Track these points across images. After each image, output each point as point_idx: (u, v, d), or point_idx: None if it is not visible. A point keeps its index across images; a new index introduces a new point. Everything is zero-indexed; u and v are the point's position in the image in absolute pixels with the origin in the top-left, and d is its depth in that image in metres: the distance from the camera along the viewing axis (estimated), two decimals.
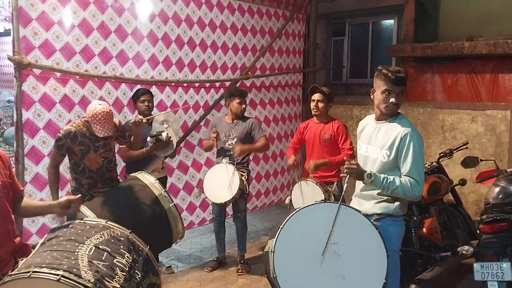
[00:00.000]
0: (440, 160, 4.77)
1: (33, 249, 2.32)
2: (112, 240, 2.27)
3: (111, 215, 3.09)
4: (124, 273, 2.13)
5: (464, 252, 3.85)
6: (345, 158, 3.03)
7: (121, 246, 2.26)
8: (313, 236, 2.72)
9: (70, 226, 2.37)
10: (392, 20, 7.58)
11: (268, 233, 6.20)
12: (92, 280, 1.96)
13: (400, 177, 2.92)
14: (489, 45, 5.90)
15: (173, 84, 5.29)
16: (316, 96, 4.67)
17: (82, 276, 1.96)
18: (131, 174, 3.69)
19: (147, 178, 3.45)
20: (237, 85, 5.97)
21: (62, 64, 4.33)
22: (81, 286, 1.92)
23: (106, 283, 2.00)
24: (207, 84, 5.70)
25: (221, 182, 4.78)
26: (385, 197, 3.00)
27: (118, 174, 4.29)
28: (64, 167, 4.26)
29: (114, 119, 3.88)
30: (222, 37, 5.81)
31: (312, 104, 4.70)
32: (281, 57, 6.72)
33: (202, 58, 5.59)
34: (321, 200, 2.89)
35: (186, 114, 5.50)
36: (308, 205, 2.82)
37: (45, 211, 2.88)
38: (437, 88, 6.82)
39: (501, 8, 6.22)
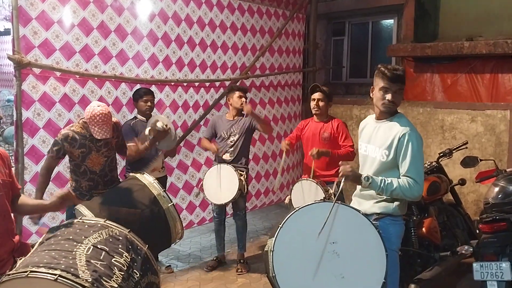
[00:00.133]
0: (440, 160, 4.77)
1: (32, 248, 2.33)
2: (111, 240, 2.27)
3: (110, 215, 3.08)
4: (122, 273, 2.13)
5: (463, 251, 3.85)
6: (340, 162, 3.02)
7: (120, 246, 2.26)
8: (313, 235, 2.71)
9: (69, 225, 2.37)
10: (392, 20, 7.58)
11: (268, 232, 6.20)
12: (90, 280, 1.96)
13: (399, 177, 2.92)
14: (489, 45, 5.90)
15: (172, 83, 5.29)
16: (317, 95, 4.67)
17: (80, 275, 1.96)
18: (131, 174, 3.69)
19: (146, 178, 3.44)
20: (237, 84, 5.96)
21: (62, 64, 4.33)
22: (78, 286, 1.92)
23: (104, 282, 2.00)
24: (207, 84, 5.70)
25: (221, 183, 4.78)
26: (385, 197, 3.00)
27: (118, 174, 4.29)
28: (64, 167, 4.27)
29: (113, 119, 3.88)
30: (222, 37, 5.81)
31: (313, 103, 4.70)
32: (281, 57, 6.72)
33: (202, 58, 5.59)
34: (321, 199, 2.88)
35: (186, 113, 5.50)
36: (308, 205, 2.82)
37: (39, 210, 2.89)
38: (437, 88, 6.82)
39: (501, 8, 6.23)
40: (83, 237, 2.24)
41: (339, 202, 2.79)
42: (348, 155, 4.61)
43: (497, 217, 3.53)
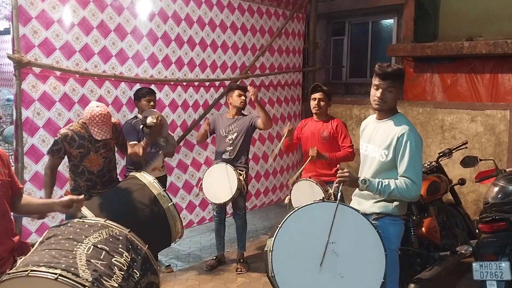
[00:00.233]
0: (440, 159, 4.78)
1: (32, 247, 2.33)
2: (111, 239, 2.27)
3: (110, 215, 3.07)
4: (123, 272, 2.13)
5: (463, 251, 3.86)
6: (338, 166, 3.02)
7: (120, 245, 2.26)
8: (312, 235, 2.72)
9: (69, 225, 2.37)
10: (392, 20, 7.59)
11: (267, 232, 6.20)
12: (90, 279, 1.96)
13: (397, 177, 2.92)
14: (489, 45, 5.90)
15: (172, 83, 5.29)
16: (318, 95, 4.68)
17: (80, 275, 1.97)
18: (131, 174, 3.69)
19: (146, 178, 3.44)
20: (237, 83, 5.96)
21: (61, 63, 4.33)
22: (78, 285, 1.92)
23: (104, 282, 2.00)
24: (207, 83, 5.70)
25: (220, 183, 4.78)
26: None
27: (118, 173, 4.30)
28: (64, 166, 4.26)
29: (112, 119, 3.88)
30: (222, 36, 5.81)
31: (314, 103, 4.70)
32: (281, 57, 6.72)
33: (202, 57, 5.59)
34: (320, 199, 2.88)
35: (186, 113, 5.50)
36: (307, 204, 2.82)
37: (46, 209, 2.87)
38: (437, 88, 6.82)
39: (500, 8, 6.23)
40: (83, 236, 2.24)
41: (342, 203, 2.79)
42: (347, 156, 4.61)
43: (497, 217, 3.53)
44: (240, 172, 4.87)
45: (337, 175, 2.90)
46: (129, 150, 4.14)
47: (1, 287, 1.99)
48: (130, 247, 2.30)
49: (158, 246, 3.57)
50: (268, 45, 6.39)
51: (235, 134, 4.93)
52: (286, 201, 4.71)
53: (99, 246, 2.19)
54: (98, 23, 4.57)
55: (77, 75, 4.45)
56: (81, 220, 2.41)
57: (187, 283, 4.75)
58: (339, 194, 2.90)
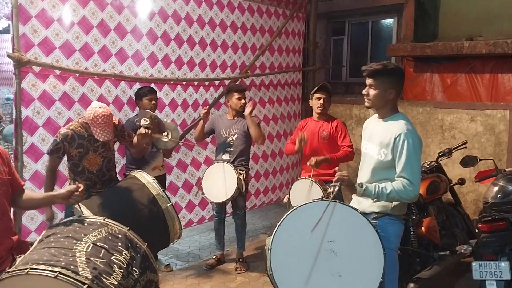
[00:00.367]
0: (439, 159, 4.78)
1: (32, 246, 2.33)
2: (110, 237, 2.27)
3: (109, 214, 3.07)
4: (122, 270, 2.13)
5: (462, 251, 3.85)
6: (337, 168, 3.02)
7: (119, 243, 2.27)
8: (310, 234, 2.72)
9: (68, 223, 2.37)
10: (392, 20, 7.59)
11: (267, 231, 6.21)
12: (90, 277, 1.97)
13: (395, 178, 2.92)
14: (489, 45, 5.90)
15: (172, 82, 5.29)
16: (324, 94, 4.69)
17: (80, 273, 1.97)
18: (130, 173, 3.69)
19: (145, 178, 3.44)
20: (237, 83, 5.96)
21: (61, 62, 4.33)
22: (78, 283, 1.93)
23: (104, 280, 2.01)
24: (206, 83, 5.70)
25: (219, 182, 4.78)
26: None
27: (118, 172, 4.29)
28: (64, 165, 4.26)
29: (113, 119, 3.88)
30: (222, 36, 5.81)
31: (319, 102, 4.70)
32: (281, 56, 6.72)
33: (202, 57, 5.59)
34: (319, 198, 2.89)
35: (186, 112, 5.50)
36: (306, 203, 2.83)
37: (47, 202, 2.90)
38: (437, 88, 6.82)
39: (500, 8, 6.23)
40: (82, 234, 2.24)
41: (337, 201, 2.80)
42: (347, 156, 4.62)
43: (496, 217, 3.53)
44: (240, 171, 4.87)
45: (336, 175, 2.91)
46: (135, 138, 4.08)
47: (0, 285, 1.99)
48: (129, 245, 2.30)
49: (157, 246, 3.57)
50: (268, 45, 6.38)
51: (236, 136, 4.92)
52: (285, 200, 4.71)
53: (98, 244, 2.19)
54: (98, 22, 4.56)
55: (77, 74, 4.45)
56: (80, 218, 2.41)
57: (186, 282, 4.75)
58: (334, 190, 2.91)
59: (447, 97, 6.70)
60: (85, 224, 2.36)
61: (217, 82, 5.81)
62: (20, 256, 2.24)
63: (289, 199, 4.57)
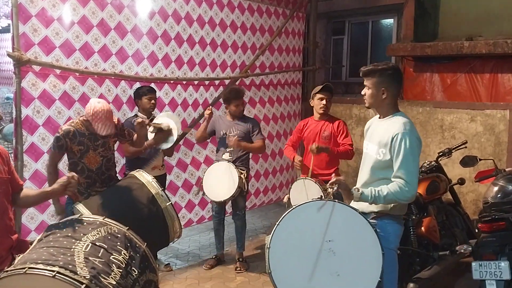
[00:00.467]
0: (439, 159, 4.78)
1: (31, 245, 2.33)
2: (109, 237, 2.27)
3: (108, 214, 3.07)
4: (121, 270, 2.13)
5: (462, 251, 3.85)
6: (332, 175, 3.02)
7: (118, 243, 2.27)
8: (309, 233, 2.73)
9: (68, 222, 2.37)
10: (392, 19, 7.58)
11: (267, 231, 6.20)
12: (88, 277, 1.97)
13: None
14: (489, 45, 5.90)
15: (172, 81, 5.29)
16: (327, 94, 4.70)
17: (78, 272, 1.97)
18: (130, 173, 3.69)
19: (145, 177, 3.44)
20: (237, 83, 5.96)
21: (61, 61, 4.33)
22: (76, 283, 1.93)
23: (102, 279, 2.01)
24: (206, 82, 5.70)
25: (221, 180, 4.79)
26: None
27: (118, 171, 4.29)
28: (64, 164, 4.26)
29: (115, 118, 3.89)
30: (222, 35, 5.81)
31: (321, 103, 4.70)
32: (281, 56, 6.71)
33: (202, 56, 5.59)
34: (317, 197, 2.89)
35: (186, 112, 5.50)
36: (305, 203, 2.83)
37: (43, 198, 2.90)
38: (437, 88, 6.82)
39: (500, 8, 6.23)
40: (81, 234, 2.24)
41: (336, 200, 2.80)
42: (347, 153, 4.62)
43: (496, 217, 3.53)
44: (241, 171, 4.87)
45: (333, 176, 2.95)
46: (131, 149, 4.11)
47: None
48: (128, 245, 2.30)
49: (156, 246, 3.57)
50: (268, 44, 6.38)
51: (236, 136, 4.92)
52: (285, 200, 4.71)
53: (97, 243, 2.19)
54: (98, 21, 4.56)
55: (77, 74, 4.44)
56: (79, 218, 2.42)
57: (186, 282, 4.75)
58: (332, 190, 2.92)
59: (447, 97, 6.70)
60: (85, 223, 2.36)
61: (217, 82, 5.81)
62: (19, 256, 2.24)
63: (289, 199, 4.57)
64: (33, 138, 4.21)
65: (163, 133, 4.19)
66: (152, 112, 4.67)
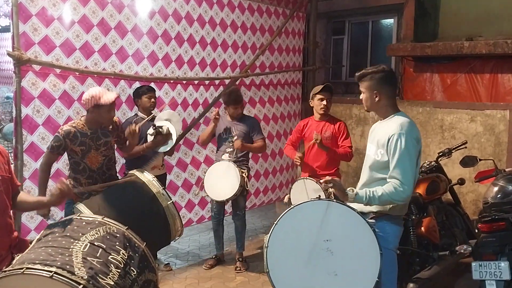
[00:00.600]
0: (439, 159, 4.78)
1: (31, 244, 2.33)
2: (108, 237, 2.27)
3: (109, 213, 3.08)
4: (119, 270, 2.13)
5: (462, 251, 3.85)
6: (327, 177, 3.01)
7: (117, 243, 2.26)
8: (307, 232, 2.73)
9: (67, 222, 2.38)
10: (392, 19, 7.57)
11: (266, 231, 6.19)
12: (85, 277, 1.97)
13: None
14: (489, 45, 5.90)
15: (172, 81, 5.29)
16: (327, 95, 4.71)
17: (75, 273, 1.97)
18: (130, 172, 3.68)
19: (145, 176, 3.44)
20: (237, 83, 5.96)
21: (61, 60, 4.33)
22: (73, 283, 1.93)
23: (100, 280, 2.01)
24: (207, 82, 5.70)
25: (222, 180, 4.79)
26: None
27: (118, 171, 4.29)
28: (63, 164, 4.26)
29: (115, 117, 3.89)
30: (222, 35, 5.81)
31: (322, 103, 4.70)
32: (281, 55, 6.71)
33: (202, 56, 5.59)
34: (316, 197, 2.89)
35: (186, 111, 5.50)
36: (303, 202, 2.84)
37: (39, 206, 2.91)
38: (437, 88, 6.82)
39: (500, 8, 6.22)
40: (80, 234, 2.24)
41: (334, 200, 2.81)
42: (346, 155, 4.63)
43: (496, 217, 3.53)
44: (242, 170, 4.88)
45: (328, 176, 2.97)
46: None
47: None
48: (127, 244, 2.30)
49: (158, 244, 3.57)
50: (268, 44, 6.38)
51: (235, 136, 4.92)
52: (286, 200, 4.71)
53: (95, 243, 2.19)
54: (99, 20, 4.56)
55: (77, 73, 4.44)
56: (78, 217, 2.42)
57: (186, 282, 4.75)
58: (329, 191, 2.92)
59: (447, 97, 6.69)
60: (84, 223, 2.36)
61: (217, 82, 5.80)
62: (18, 255, 2.24)
63: (289, 199, 4.57)
64: (33, 137, 4.21)
65: (162, 136, 4.22)
66: (152, 111, 4.66)
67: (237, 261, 5.08)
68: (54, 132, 4.21)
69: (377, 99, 3.02)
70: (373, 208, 3.01)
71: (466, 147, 4.92)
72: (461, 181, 4.82)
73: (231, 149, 4.91)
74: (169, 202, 3.31)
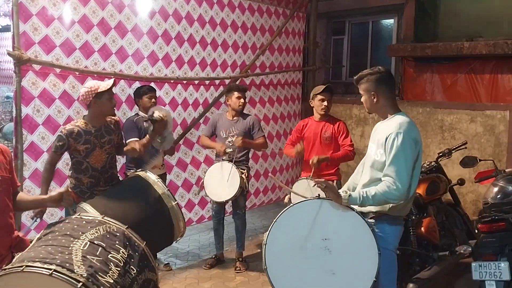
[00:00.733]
0: (439, 159, 4.78)
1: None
2: (108, 236, 2.28)
3: (115, 214, 3.06)
4: (119, 268, 2.13)
5: (462, 251, 3.86)
6: (319, 179, 3.00)
7: (117, 242, 2.27)
8: (305, 231, 2.74)
9: (67, 221, 2.38)
10: (392, 20, 7.58)
11: (266, 231, 6.19)
12: (85, 275, 1.97)
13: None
14: (489, 46, 5.90)
15: (172, 81, 5.29)
16: (327, 95, 4.70)
17: (75, 270, 1.97)
18: (134, 172, 3.66)
19: (150, 177, 3.44)
20: (237, 82, 5.96)
21: (61, 60, 4.33)
22: (73, 281, 1.93)
23: (99, 278, 2.01)
24: (207, 82, 5.70)
25: (222, 180, 4.78)
26: None
27: (118, 170, 4.28)
28: (63, 163, 4.26)
29: (114, 117, 3.89)
30: (222, 35, 5.81)
31: (323, 104, 4.69)
32: (281, 55, 6.72)
33: (202, 56, 5.59)
34: (316, 196, 2.89)
35: (186, 111, 5.50)
36: (303, 201, 2.84)
37: (38, 205, 2.91)
38: (437, 88, 6.82)
39: (501, 9, 6.23)
40: (80, 232, 2.25)
41: (324, 198, 2.81)
42: (347, 155, 4.62)
43: (496, 217, 3.53)
44: (242, 170, 4.87)
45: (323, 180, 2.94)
46: (127, 147, 4.06)
47: None
48: (127, 243, 2.30)
49: (162, 245, 3.58)
50: (268, 44, 6.38)
51: (235, 136, 4.92)
52: (286, 200, 4.71)
53: (95, 242, 2.19)
54: (99, 20, 4.56)
55: (77, 73, 4.45)
56: (78, 216, 2.42)
57: (186, 282, 4.75)
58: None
59: (447, 98, 6.70)
60: (84, 222, 2.36)
61: (217, 81, 5.81)
62: (18, 254, 2.25)
63: (289, 199, 4.57)
64: (33, 137, 4.21)
65: (159, 124, 4.07)
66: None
67: (237, 261, 5.08)
68: (54, 132, 4.22)
69: (375, 100, 3.03)
70: (373, 208, 3.00)
71: (466, 148, 4.92)
72: (461, 182, 4.82)
73: (231, 149, 4.91)
74: (174, 203, 3.31)
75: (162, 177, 4.82)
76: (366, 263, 2.68)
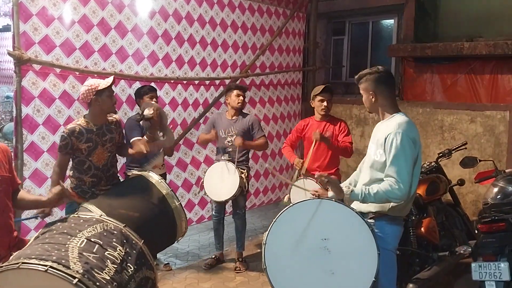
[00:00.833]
0: (439, 160, 4.78)
1: None
2: (105, 233, 2.29)
3: (120, 214, 3.06)
4: (115, 266, 2.14)
5: (462, 252, 3.85)
6: (321, 173, 3.00)
7: (114, 239, 2.28)
8: (305, 231, 2.74)
9: (65, 220, 2.40)
10: (392, 20, 7.59)
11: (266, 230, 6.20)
12: (81, 271, 1.98)
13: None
14: (489, 46, 5.90)
15: (172, 81, 5.29)
16: (327, 96, 4.71)
17: (71, 267, 1.98)
18: (137, 173, 3.66)
19: (153, 177, 3.44)
20: (237, 83, 5.96)
21: (62, 60, 4.33)
22: (68, 277, 1.94)
23: (95, 274, 2.02)
24: (207, 82, 5.70)
25: (222, 180, 4.79)
26: None
27: (118, 170, 4.28)
28: None
29: (115, 117, 3.88)
30: (223, 35, 5.81)
31: (323, 104, 4.70)
32: (281, 56, 6.72)
33: (202, 56, 5.59)
34: (316, 196, 2.90)
35: (186, 111, 5.50)
36: (303, 201, 2.84)
37: (37, 205, 2.91)
38: (437, 88, 6.83)
39: (501, 9, 6.23)
40: (77, 231, 2.26)
41: (333, 199, 2.81)
42: (346, 149, 4.62)
43: (496, 218, 3.53)
44: (242, 170, 4.87)
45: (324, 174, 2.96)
46: (132, 150, 4.03)
47: None
48: (125, 241, 2.31)
49: (164, 245, 3.58)
50: (268, 44, 6.39)
51: (235, 136, 4.91)
52: (286, 200, 4.70)
53: (92, 239, 2.20)
54: (99, 20, 4.57)
55: (77, 73, 4.45)
56: (76, 215, 2.43)
57: (185, 282, 4.75)
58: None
59: (447, 98, 6.70)
60: (81, 220, 2.38)
61: (217, 82, 5.81)
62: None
63: (289, 199, 4.57)
64: (33, 137, 4.22)
65: (153, 118, 4.03)
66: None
67: (237, 261, 5.08)
68: (55, 132, 4.23)
69: (373, 99, 3.03)
70: (373, 208, 3.01)
71: (466, 148, 4.92)
72: (461, 182, 4.81)
73: (231, 149, 4.91)
74: (178, 203, 3.33)
75: (162, 177, 4.81)
76: (365, 263, 2.68)
